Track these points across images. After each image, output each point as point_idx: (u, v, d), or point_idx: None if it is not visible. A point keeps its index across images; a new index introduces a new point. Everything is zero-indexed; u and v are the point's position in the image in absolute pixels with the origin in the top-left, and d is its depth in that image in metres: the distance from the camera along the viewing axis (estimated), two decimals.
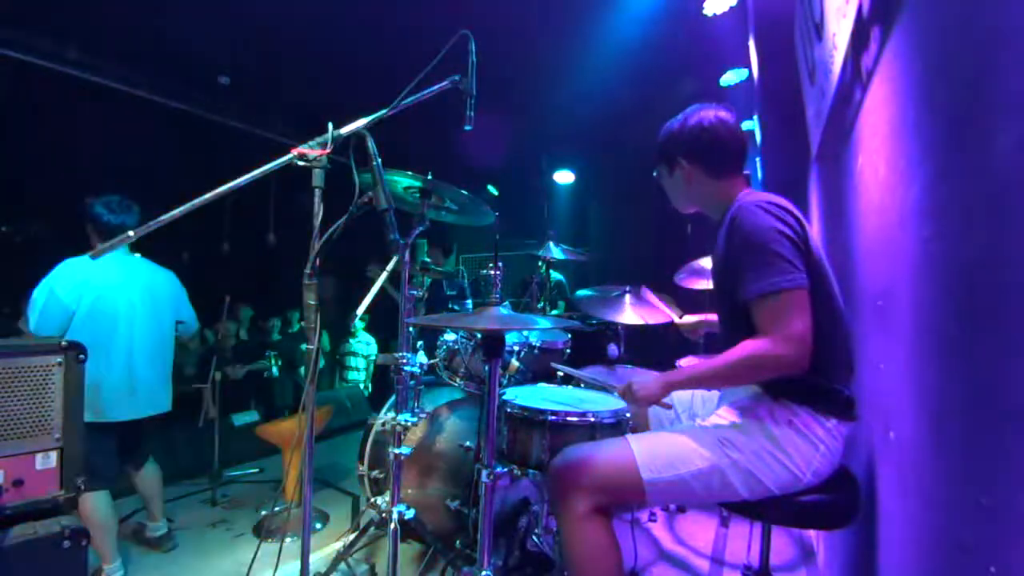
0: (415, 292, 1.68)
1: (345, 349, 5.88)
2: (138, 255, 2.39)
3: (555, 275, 3.14)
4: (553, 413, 1.57)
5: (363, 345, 5.85)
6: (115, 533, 2.20)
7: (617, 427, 1.60)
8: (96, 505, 2.11)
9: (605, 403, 1.76)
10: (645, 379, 1.38)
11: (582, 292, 2.67)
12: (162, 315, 2.40)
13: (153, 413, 2.33)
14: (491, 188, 6.18)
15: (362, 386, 5.72)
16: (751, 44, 3.50)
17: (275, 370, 5.10)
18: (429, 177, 1.68)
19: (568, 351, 2.34)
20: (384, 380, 5.59)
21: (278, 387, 5.12)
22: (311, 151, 1.22)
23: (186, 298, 2.54)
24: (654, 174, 1.59)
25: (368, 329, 5.88)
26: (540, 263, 3.01)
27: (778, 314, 1.19)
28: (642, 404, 1.41)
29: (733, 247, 1.28)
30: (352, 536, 2.26)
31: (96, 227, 2.27)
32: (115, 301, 2.21)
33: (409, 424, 1.63)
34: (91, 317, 2.15)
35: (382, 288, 2.16)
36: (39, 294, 2.10)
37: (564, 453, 1.36)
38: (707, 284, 2.68)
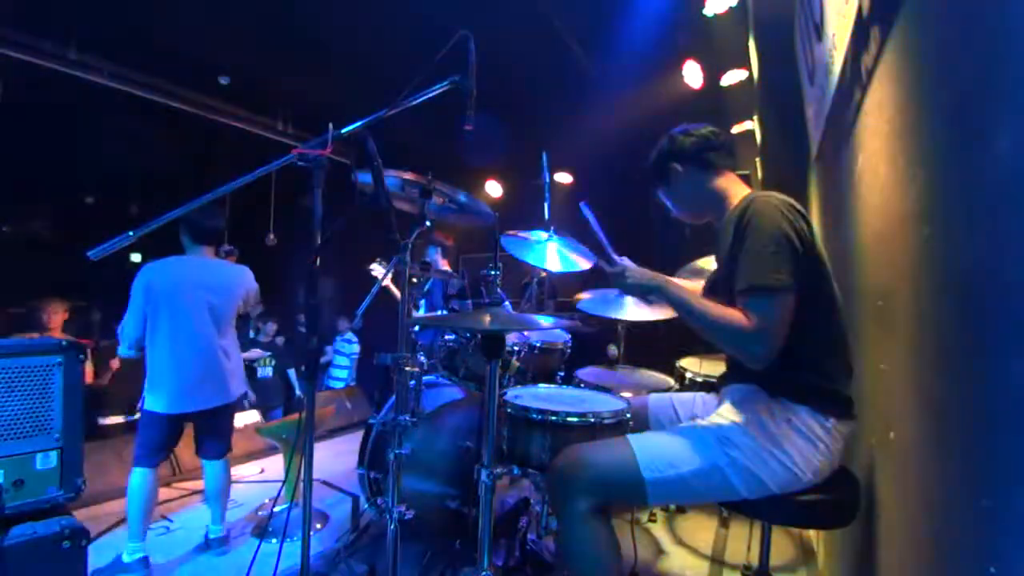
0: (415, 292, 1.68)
1: (332, 348, 5.89)
2: (202, 256, 2.49)
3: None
4: (553, 413, 1.57)
5: (346, 344, 5.87)
6: (144, 514, 2.26)
7: (617, 427, 1.60)
8: (134, 481, 2.23)
9: (605, 403, 1.76)
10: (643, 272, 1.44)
11: (582, 293, 2.67)
12: (227, 311, 2.48)
13: (219, 404, 2.43)
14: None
15: (350, 384, 5.74)
16: (751, 44, 3.51)
17: (270, 370, 5.12)
18: (429, 177, 1.68)
19: (568, 351, 2.34)
20: (379, 379, 5.59)
21: (271, 388, 5.13)
22: (311, 151, 1.22)
23: (254, 289, 2.62)
24: (657, 195, 1.62)
25: (355, 330, 5.90)
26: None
27: (760, 308, 1.20)
28: (630, 280, 1.45)
29: (739, 238, 1.28)
30: (352, 536, 2.27)
31: (189, 230, 2.42)
32: (182, 300, 2.33)
33: (409, 424, 1.63)
34: (162, 317, 2.30)
35: (384, 287, 2.15)
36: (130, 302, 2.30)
37: (565, 453, 1.36)
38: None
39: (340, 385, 5.69)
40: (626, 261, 1.54)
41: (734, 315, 1.23)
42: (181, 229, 2.43)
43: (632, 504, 2.15)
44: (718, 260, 1.50)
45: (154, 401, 2.29)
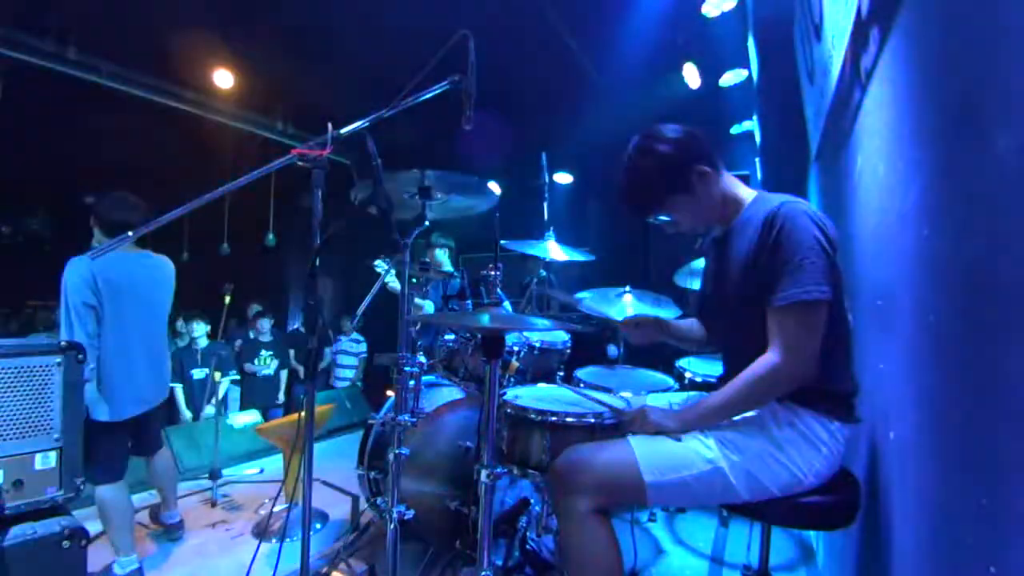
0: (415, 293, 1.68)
1: (337, 348, 5.89)
2: (139, 250, 2.36)
3: (542, 272, 3.16)
4: (553, 413, 1.57)
5: (354, 344, 5.87)
6: (130, 526, 2.20)
7: (617, 428, 1.59)
8: (110, 498, 2.13)
9: (604, 404, 1.75)
10: (660, 412, 1.36)
11: (582, 293, 2.67)
12: (159, 307, 2.39)
13: (157, 403, 2.37)
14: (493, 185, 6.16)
15: (356, 384, 5.74)
16: (751, 44, 3.51)
17: (270, 369, 5.12)
18: (427, 176, 1.68)
19: (568, 351, 2.34)
20: (377, 379, 5.59)
21: (271, 386, 5.13)
22: (311, 151, 1.22)
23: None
24: (657, 220, 1.46)
25: (360, 329, 5.89)
26: (539, 264, 3.02)
27: (802, 325, 1.18)
28: (648, 431, 1.35)
29: (769, 247, 1.23)
30: (352, 536, 2.27)
31: (100, 224, 2.27)
32: (120, 299, 2.17)
33: (409, 424, 1.63)
34: (110, 316, 2.13)
35: (384, 286, 2.15)
36: (66, 302, 2.07)
37: (566, 453, 1.35)
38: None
39: (346, 385, 5.69)
40: (640, 403, 1.39)
41: (758, 366, 1.21)
42: (95, 224, 2.27)
43: (632, 505, 2.14)
44: (723, 262, 1.43)
45: (105, 409, 2.12)
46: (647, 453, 1.27)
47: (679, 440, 1.30)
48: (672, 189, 1.37)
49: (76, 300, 2.05)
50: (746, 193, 1.42)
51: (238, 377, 4.84)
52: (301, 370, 5.32)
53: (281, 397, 5.19)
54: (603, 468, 1.28)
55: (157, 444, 2.52)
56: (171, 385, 3.34)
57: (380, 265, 2.81)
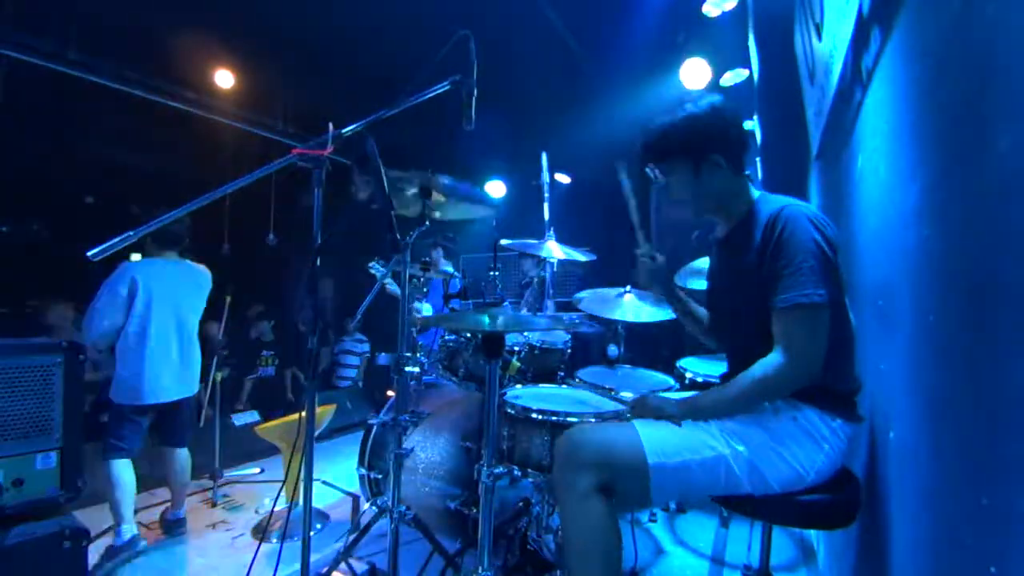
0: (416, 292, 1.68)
1: (340, 348, 5.89)
2: (179, 259, 2.64)
3: (542, 272, 3.16)
4: (553, 413, 1.57)
5: (356, 344, 5.87)
6: (132, 497, 2.40)
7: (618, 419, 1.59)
8: (118, 472, 2.35)
9: (606, 404, 1.76)
10: (660, 398, 1.39)
11: (582, 293, 2.67)
12: (189, 311, 2.64)
13: (180, 397, 2.57)
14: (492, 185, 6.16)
15: (357, 384, 5.74)
16: (751, 44, 3.51)
17: (271, 370, 5.12)
18: (429, 175, 1.68)
19: (568, 351, 2.34)
20: (378, 379, 5.59)
21: (272, 386, 5.13)
22: (311, 151, 1.22)
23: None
24: (652, 172, 1.44)
25: (361, 329, 5.90)
26: (540, 263, 3.02)
27: (804, 328, 1.19)
28: (649, 415, 1.38)
29: (771, 249, 1.25)
30: (352, 536, 2.27)
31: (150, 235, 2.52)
32: (153, 300, 2.46)
33: (409, 424, 1.63)
34: (145, 313, 2.44)
35: (383, 288, 2.15)
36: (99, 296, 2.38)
37: (571, 431, 1.35)
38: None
39: (348, 384, 5.69)
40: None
41: (763, 366, 1.22)
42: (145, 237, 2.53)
43: (634, 491, 2.11)
44: (727, 262, 1.44)
45: (125, 394, 2.41)
46: (652, 435, 1.27)
47: (679, 426, 1.31)
48: (679, 151, 1.37)
49: (105, 301, 2.37)
50: (750, 194, 1.43)
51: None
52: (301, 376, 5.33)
53: (289, 396, 5.20)
54: (607, 445, 1.27)
55: (182, 438, 2.67)
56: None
57: (375, 267, 2.81)
